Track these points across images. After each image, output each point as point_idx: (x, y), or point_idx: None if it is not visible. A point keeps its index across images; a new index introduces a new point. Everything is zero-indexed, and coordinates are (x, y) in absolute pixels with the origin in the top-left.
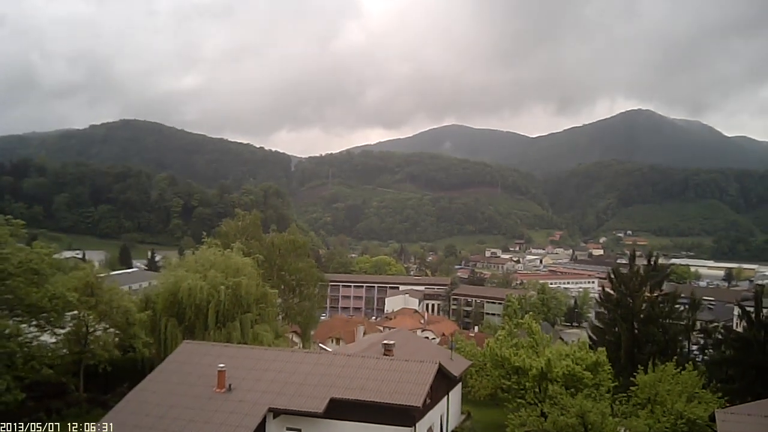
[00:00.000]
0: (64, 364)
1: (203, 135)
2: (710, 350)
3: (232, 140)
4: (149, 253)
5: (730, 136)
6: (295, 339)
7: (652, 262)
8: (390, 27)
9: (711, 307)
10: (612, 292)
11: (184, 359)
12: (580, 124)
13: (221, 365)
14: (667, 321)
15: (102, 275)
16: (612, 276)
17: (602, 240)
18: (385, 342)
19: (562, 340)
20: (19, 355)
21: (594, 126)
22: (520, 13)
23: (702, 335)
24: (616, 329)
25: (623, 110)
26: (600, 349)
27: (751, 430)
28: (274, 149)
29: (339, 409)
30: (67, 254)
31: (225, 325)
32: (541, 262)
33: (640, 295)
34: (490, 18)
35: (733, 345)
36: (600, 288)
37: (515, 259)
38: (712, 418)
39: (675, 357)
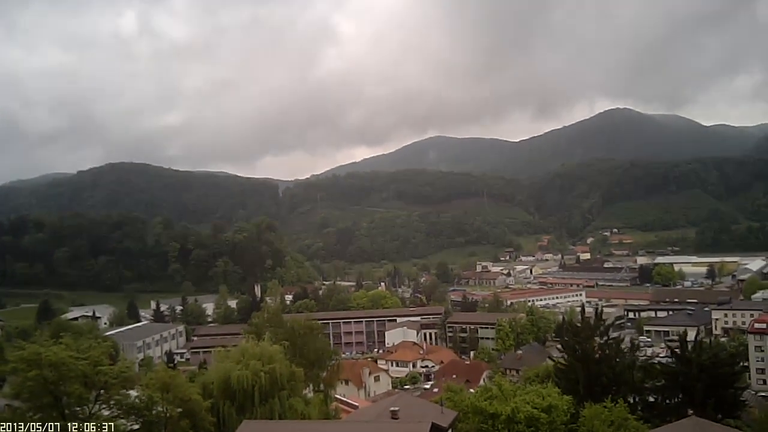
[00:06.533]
0: None
1: (189, 171)
2: (649, 381)
3: (218, 171)
4: (152, 303)
5: (708, 125)
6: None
7: (599, 312)
8: (367, 50)
9: (690, 312)
10: (568, 339)
11: None
12: (561, 126)
13: None
14: (615, 360)
15: (173, 373)
16: (567, 327)
17: (589, 241)
18: (392, 409)
19: (551, 359)
20: None
21: (574, 127)
22: (491, 27)
23: (641, 372)
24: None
25: (602, 110)
26: (553, 394)
27: None
28: (260, 177)
29: None
30: (76, 311)
31: (267, 401)
32: (531, 272)
33: (591, 341)
34: (462, 35)
35: (664, 377)
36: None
37: (505, 271)
38: None
39: (623, 387)
